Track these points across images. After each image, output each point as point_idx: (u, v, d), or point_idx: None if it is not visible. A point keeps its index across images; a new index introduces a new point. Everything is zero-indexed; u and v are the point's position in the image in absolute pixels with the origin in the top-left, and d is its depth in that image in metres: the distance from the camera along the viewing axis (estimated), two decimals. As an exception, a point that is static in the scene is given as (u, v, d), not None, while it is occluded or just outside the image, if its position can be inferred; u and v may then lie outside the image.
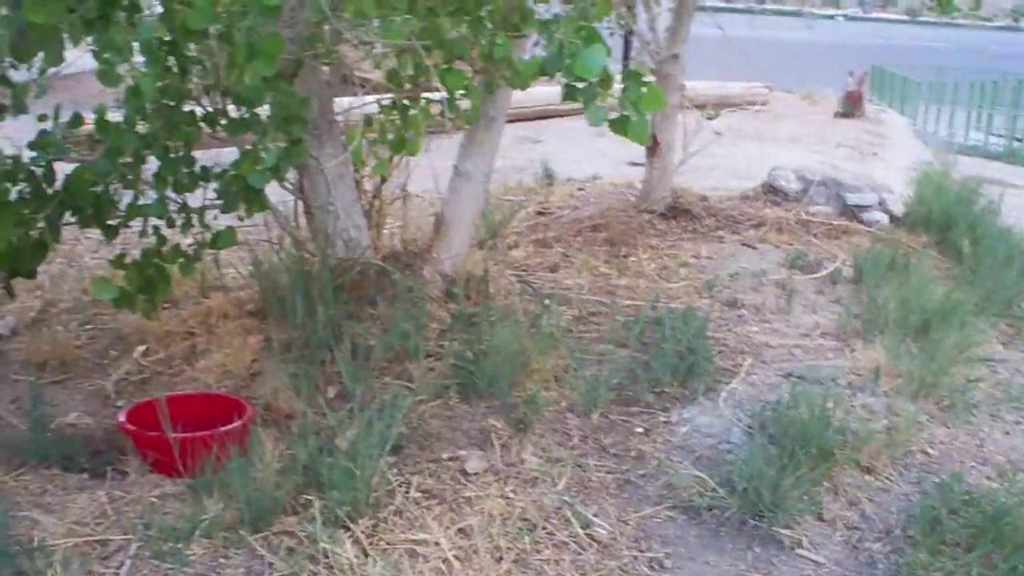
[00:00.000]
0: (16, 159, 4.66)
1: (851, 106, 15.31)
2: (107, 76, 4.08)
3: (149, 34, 3.85)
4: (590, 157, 10.81)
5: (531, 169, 9.50)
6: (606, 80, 3.99)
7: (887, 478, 4.38)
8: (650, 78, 4.29)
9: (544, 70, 4.13)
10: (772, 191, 8.45)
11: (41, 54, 4.40)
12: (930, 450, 4.63)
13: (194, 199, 5.07)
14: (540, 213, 8.04)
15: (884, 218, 8.06)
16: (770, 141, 12.40)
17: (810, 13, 43.33)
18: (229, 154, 5.15)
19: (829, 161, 10.47)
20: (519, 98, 5.70)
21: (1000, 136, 17.71)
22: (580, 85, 4.03)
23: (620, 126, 4.06)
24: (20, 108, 4.95)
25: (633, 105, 4.00)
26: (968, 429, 4.86)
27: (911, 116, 17.86)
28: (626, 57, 12.54)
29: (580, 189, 8.89)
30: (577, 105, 4.05)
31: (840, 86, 15.68)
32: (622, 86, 4.09)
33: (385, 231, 6.00)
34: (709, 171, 8.79)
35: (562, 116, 13.03)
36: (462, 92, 4.86)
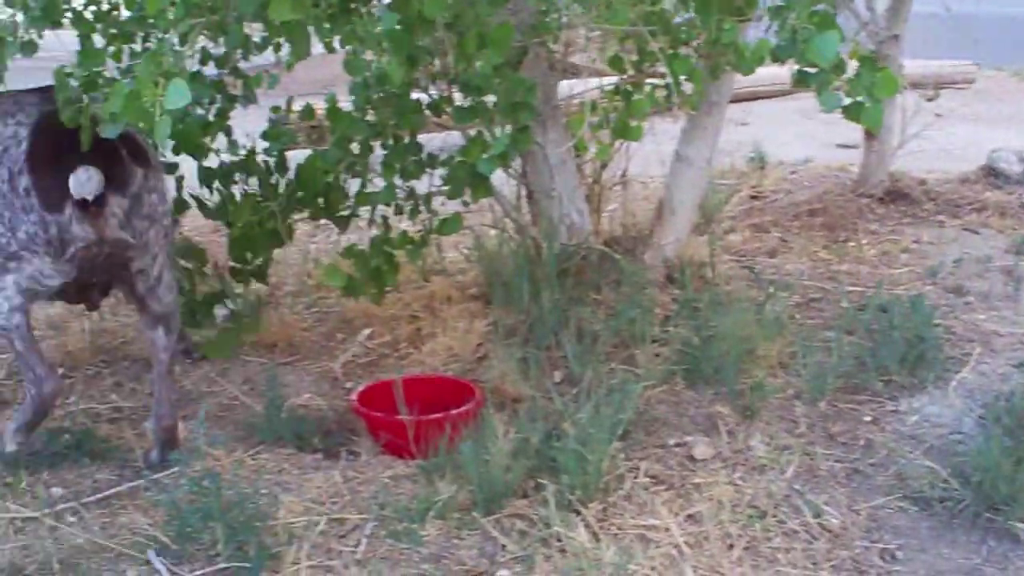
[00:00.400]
0: (252, 151, 4.80)
1: (1065, 84, 14.80)
2: (354, 66, 4.18)
3: (392, 24, 3.92)
4: (797, 139, 10.66)
5: (739, 152, 9.39)
6: (839, 66, 3.93)
7: None
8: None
9: (775, 56, 4.09)
10: (992, 174, 8.21)
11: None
12: None
13: (418, 185, 5.17)
14: (753, 197, 7.96)
15: (1113, 200, 7.79)
16: (983, 121, 12.06)
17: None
18: (444, 138, 5.24)
19: (1047, 142, 10.14)
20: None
21: None
22: (812, 71, 3.99)
23: (854, 112, 4.00)
24: (250, 98, 5.12)
25: (867, 91, 3.93)
26: None
27: None
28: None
29: (793, 172, 8.76)
30: (782, 86, 4.01)
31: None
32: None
33: (604, 215, 6.02)
34: (924, 153, 8.59)
35: (767, 97, 12.88)
36: (685, 77, 4.85)
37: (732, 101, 5.76)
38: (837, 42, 3.79)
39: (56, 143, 3.87)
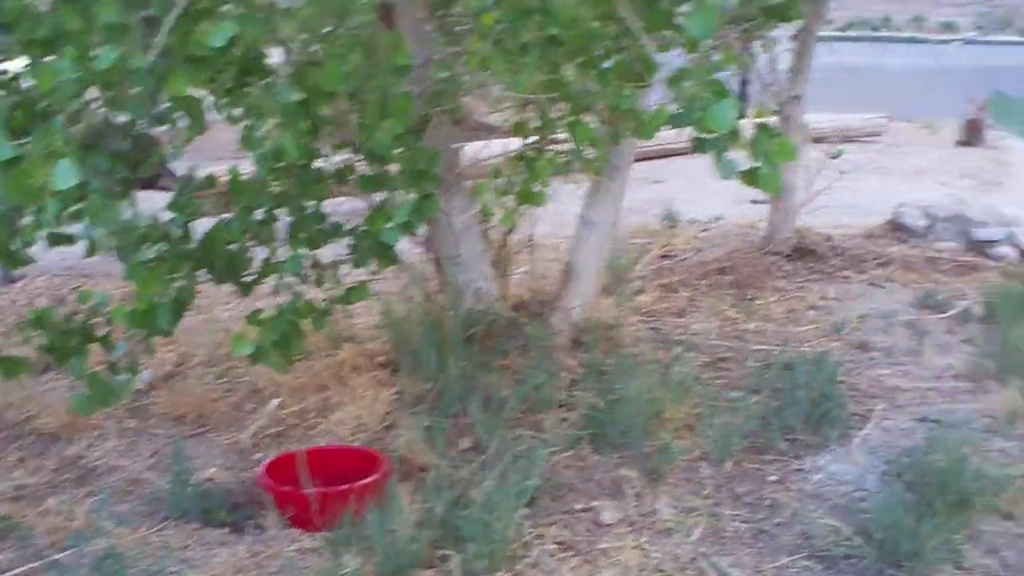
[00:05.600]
0: (154, 221, 4.77)
1: (972, 135, 15.05)
2: (249, 141, 4.17)
3: (287, 98, 3.92)
4: (710, 196, 10.78)
5: (651, 210, 9.49)
6: (735, 133, 3.98)
7: (1027, 525, 4.30)
8: (772, 119, 4.25)
9: (674, 123, 4.13)
10: (898, 228, 8.36)
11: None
12: (1071, 495, 4.52)
13: (325, 252, 5.16)
14: (664, 256, 8.03)
15: (1013, 253, 7.92)
16: (891, 174, 12.27)
17: (926, 40, 42.80)
18: (352, 204, 5.23)
19: (953, 194, 10.29)
20: (637, 138, 5.72)
21: None
22: (709, 137, 4.03)
23: (751, 177, 4.04)
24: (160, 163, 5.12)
25: (764, 157, 3.98)
26: (1110, 473, 4.75)
27: (1034, 143, 17.45)
28: (742, 99, 12.46)
29: (704, 230, 8.87)
30: (695, 143, 4.05)
31: (960, 113, 15.38)
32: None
33: (513, 279, 6.03)
34: (831, 208, 8.72)
35: (681, 155, 12.98)
36: (587, 143, 4.89)
37: (644, 159, 5.82)
38: (732, 109, 3.84)
39: None
